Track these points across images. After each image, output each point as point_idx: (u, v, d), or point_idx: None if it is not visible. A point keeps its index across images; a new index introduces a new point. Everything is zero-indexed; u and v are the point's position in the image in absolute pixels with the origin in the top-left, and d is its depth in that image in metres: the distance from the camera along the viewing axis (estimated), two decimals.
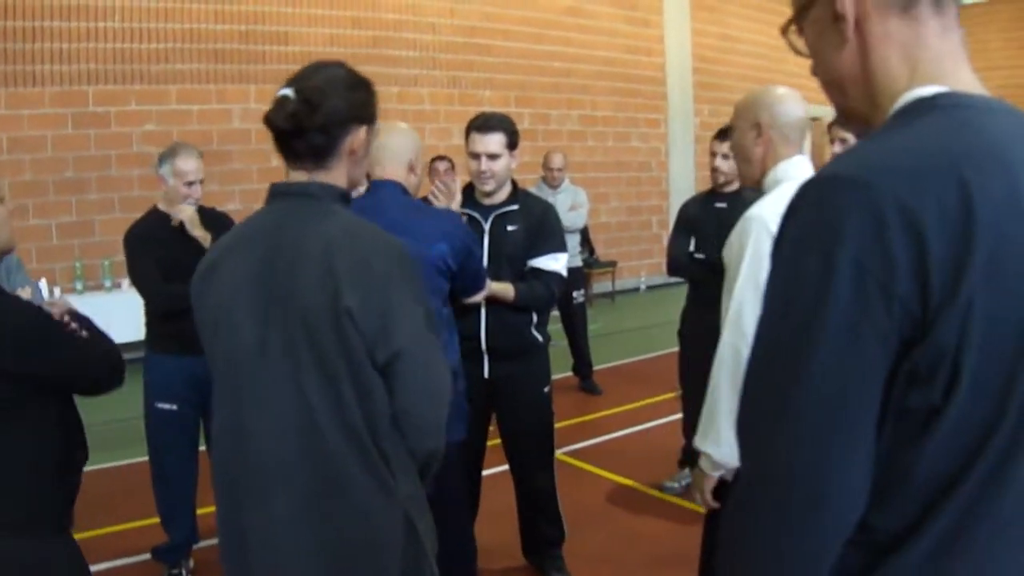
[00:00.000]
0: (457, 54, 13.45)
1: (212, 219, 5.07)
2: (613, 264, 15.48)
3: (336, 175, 2.51)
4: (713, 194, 6.07)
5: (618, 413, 8.47)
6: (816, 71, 1.52)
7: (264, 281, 2.40)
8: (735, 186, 5.91)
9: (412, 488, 2.51)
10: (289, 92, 2.41)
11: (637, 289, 16.75)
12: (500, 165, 4.57)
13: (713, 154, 5.93)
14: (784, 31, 1.55)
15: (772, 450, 1.25)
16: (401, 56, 12.64)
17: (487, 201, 4.71)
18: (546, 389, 4.92)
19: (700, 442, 3.15)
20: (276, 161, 9.20)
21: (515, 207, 4.69)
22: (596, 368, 9.48)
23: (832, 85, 1.49)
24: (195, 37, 11.07)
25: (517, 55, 14.33)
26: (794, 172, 3.14)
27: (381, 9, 12.65)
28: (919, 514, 1.24)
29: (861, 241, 1.16)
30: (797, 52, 1.53)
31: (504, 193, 4.73)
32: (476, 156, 4.57)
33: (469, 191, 4.80)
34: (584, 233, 9.45)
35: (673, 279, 15.74)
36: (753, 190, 5.78)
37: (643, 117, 16.77)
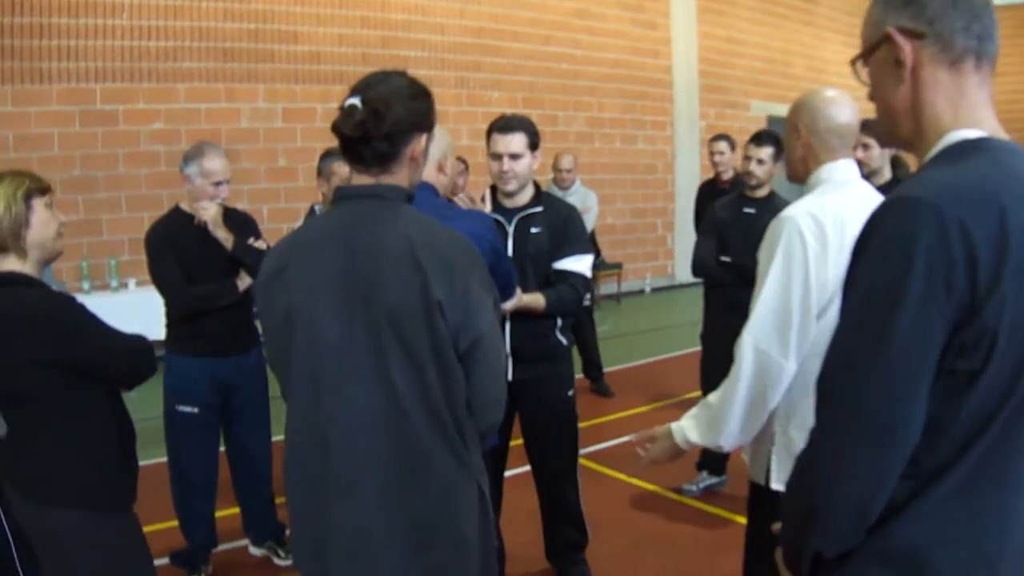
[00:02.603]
0: (465, 55, 13.42)
1: (236, 219, 5.03)
2: (619, 266, 15.49)
3: (399, 178, 2.63)
4: (743, 199, 6.06)
5: (631, 416, 8.46)
6: (873, 98, 1.93)
7: (346, 279, 2.51)
8: (766, 191, 5.92)
9: (479, 460, 2.71)
10: (356, 101, 2.53)
11: (642, 291, 16.79)
12: (522, 165, 4.56)
13: (748, 158, 5.91)
14: (852, 63, 1.94)
15: (862, 390, 1.63)
16: (410, 56, 12.56)
17: (510, 204, 4.70)
18: (570, 392, 4.88)
19: (706, 434, 3.18)
20: (284, 160, 9.23)
21: (539, 209, 4.68)
22: (605, 371, 9.46)
23: (885, 113, 1.91)
24: (204, 35, 11.02)
25: (525, 56, 14.32)
26: (837, 176, 3.17)
27: (390, 9, 12.63)
28: (956, 452, 1.66)
29: (932, 246, 1.57)
30: (861, 82, 1.95)
31: (527, 195, 4.71)
32: (498, 157, 4.56)
33: (491, 194, 4.77)
34: (592, 235, 9.46)
35: (677, 282, 15.68)
36: (782, 197, 5.85)
37: (649, 119, 16.77)
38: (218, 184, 4.84)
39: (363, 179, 2.61)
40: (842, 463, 1.66)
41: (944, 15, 1.76)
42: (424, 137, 2.64)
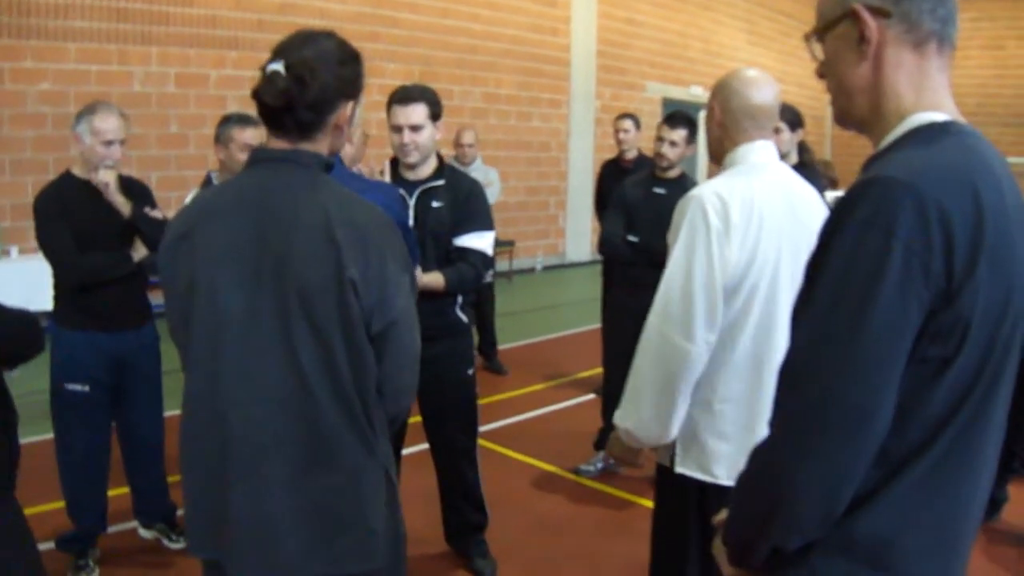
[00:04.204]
0: (363, 24, 13.14)
1: (130, 187, 4.81)
2: (511, 244, 15.44)
3: (319, 145, 2.51)
4: (653, 178, 6.05)
5: (525, 394, 8.46)
6: (825, 75, 1.91)
7: (255, 247, 2.40)
8: (676, 172, 5.93)
9: (387, 445, 2.62)
10: (279, 67, 2.39)
11: (533, 269, 16.81)
12: (423, 137, 4.48)
13: (660, 139, 5.90)
14: (807, 38, 1.92)
15: (835, 375, 1.59)
16: (307, 24, 12.16)
17: (412, 176, 4.60)
18: (470, 371, 4.84)
19: (622, 420, 3.16)
20: (176, 127, 8.96)
21: (441, 182, 4.60)
22: (498, 348, 9.46)
23: (841, 91, 1.87)
24: None
25: (423, 29, 14.16)
26: (753, 157, 3.17)
27: None
28: (924, 440, 1.64)
29: (910, 229, 1.53)
30: (813, 58, 1.92)
31: (429, 168, 4.63)
32: (398, 129, 4.46)
33: (394, 166, 4.68)
34: None
35: (568, 261, 15.79)
36: (692, 178, 5.90)
37: (545, 97, 16.76)
38: (109, 144, 4.62)
39: (280, 143, 2.48)
40: (812, 451, 1.62)
41: None
42: (351, 105, 2.52)
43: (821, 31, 1.88)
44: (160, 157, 11.01)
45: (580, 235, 17.65)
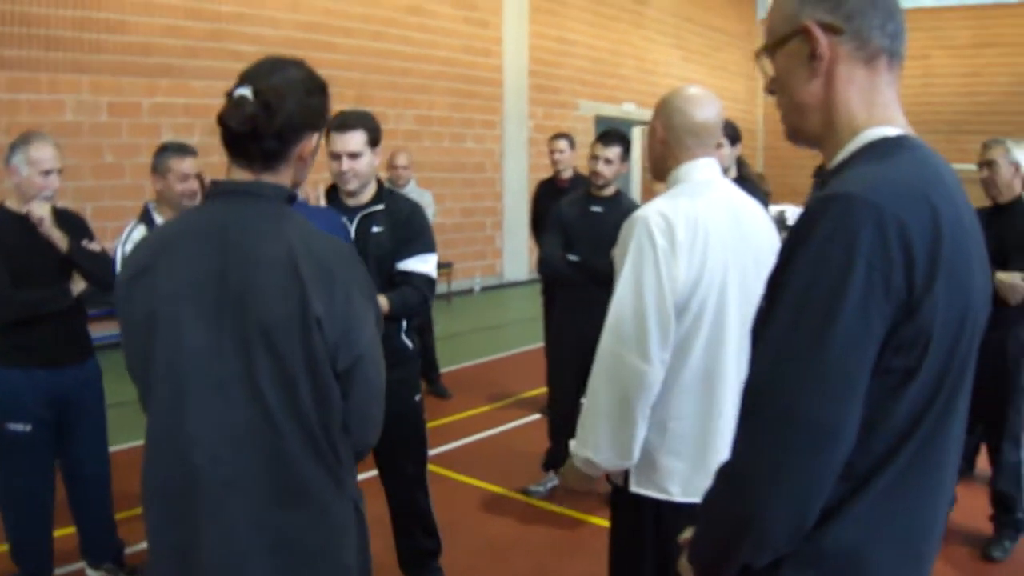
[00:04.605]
0: (297, 50, 12.83)
1: (65, 220, 4.72)
2: (449, 266, 15.38)
3: (282, 177, 2.46)
4: (589, 197, 6.06)
5: (470, 417, 8.43)
6: (776, 91, 1.91)
7: (217, 283, 2.33)
8: (612, 190, 5.96)
9: (355, 479, 2.57)
10: (247, 92, 2.34)
11: (471, 291, 16.79)
12: (362, 164, 4.43)
13: (595, 158, 5.91)
14: (758, 55, 1.92)
15: (800, 392, 1.59)
16: (240, 51, 12.00)
17: (352, 202, 4.55)
18: (417, 397, 4.81)
19: (579, 448, 3.12)
20: (110, 156, 8.74)
21: (380, 207, 4.55)
22: (440, 371, 9.42)
23: (792, 107, 1.88)
24: (26, 20, 10.27)
25: (357, 53, 14.09)
26: (697, 175, 3.16)
27: (220, 0, 12.18)
28: (889, 452, 1.66)
29: (871, 244, 1.55)
30: (764, 74, 1.92)
31: (369, 193, 4.58)
32: (337, 156, 4.41)
33: (333, 192, 4.64)
34: None
35: (506, 280, 15.76)
36: (628, 196, 5.91)
37: (479, 118, 16.77)
38: (47, 173, 4.54)
39: (242, 174, 2.42)
40: (780, 468, 1.61)
41: (862, 12, 1.75)
42: (316, 136, 2.48)
43: (772, 48, 1.88)
44: (95, 187, 10.83)
45: (517, 255, 17.68)
